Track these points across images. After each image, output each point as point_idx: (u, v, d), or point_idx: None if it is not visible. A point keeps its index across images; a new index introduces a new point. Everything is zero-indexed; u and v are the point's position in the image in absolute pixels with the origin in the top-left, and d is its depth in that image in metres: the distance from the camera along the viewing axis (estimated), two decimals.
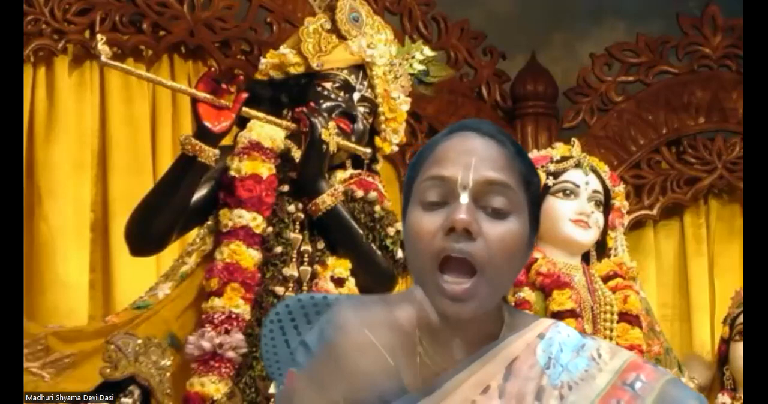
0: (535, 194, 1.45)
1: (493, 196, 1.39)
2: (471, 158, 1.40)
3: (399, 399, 1.40)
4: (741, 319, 3.42)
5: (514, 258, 1.40)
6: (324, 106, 2.82)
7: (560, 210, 3.16)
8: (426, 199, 1.40)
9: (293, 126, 2.78)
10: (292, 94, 2.86)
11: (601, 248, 3.29)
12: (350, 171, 2.90)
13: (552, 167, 3.21)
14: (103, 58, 2.53)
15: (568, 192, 3.19)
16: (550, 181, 3.19)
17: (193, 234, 2.82)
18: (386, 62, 2.95)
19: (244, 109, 2.66)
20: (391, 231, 2.79)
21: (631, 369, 1.40)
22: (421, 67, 3.08)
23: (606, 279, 3.20)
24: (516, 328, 1.44)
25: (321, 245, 2.77)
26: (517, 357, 1.41)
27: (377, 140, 2.95)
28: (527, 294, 3.06)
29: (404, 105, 2.98)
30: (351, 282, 2.77)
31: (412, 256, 1.40)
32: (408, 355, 1.43)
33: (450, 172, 1.39)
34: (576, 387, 1.39)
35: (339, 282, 2.74)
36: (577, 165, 3.23)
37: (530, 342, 1.42)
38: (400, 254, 2.77)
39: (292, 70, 2.88)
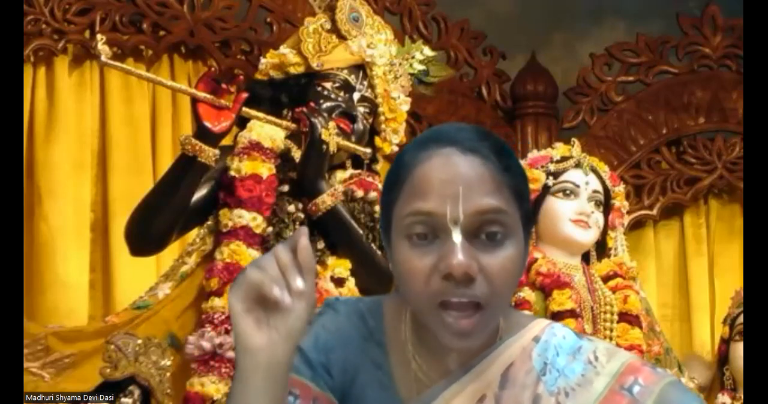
0: (527, 205, 1.37)
1: (487, 225, 1.30)
2: (456, 187, 1.29)
3: None
4: (741, 319, 3.42)
5: (515, 279, 1.34)
6: (324, 106, 2.82)
7: (560, 211, 3.16)
8: (412, 234, 1.30)
9: (293, 126, 2.78)
10: (292, 94, 2.86)
11: (601, 248, 3.29)
12: (350, 171, 2.90)
13: (552, 167, 3.21)
14: (103, 58, 2.53)
15: (568, 192, 3.19)
16: (550, 181, 3.19)
17: (193, 234, 2.82)
18: (386, 62, 2.95)
19: (244, 109, 2.66)
20: None
21: (628, 372, 1.36)
22: (421, 67, 3.08)
23: (606, 279, 3.20)
24: (511, 331, 1.39)
25: (321, 245, 2.77)
26: (513, 363, 1.37)
27: (377, 140, 2.95)
28: (527, 294, 3.06)
29: (404, 105, 2.98)
30: (351, 282, 2.77)
31: (407, 293, 1.32)
32: (402, 368, 1.39)
33: (435, 205, 1.29)
34: (573, 393, 1.35)
35: (339, 282, 2.74)
36: (577, 165, 3.23)
37: (526, 346, 1.38)
38: None
39: (292, 70, 2.88)
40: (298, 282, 1.24)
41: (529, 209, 1.37)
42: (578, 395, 1.35)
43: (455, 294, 1.28)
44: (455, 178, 1.30)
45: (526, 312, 2.90)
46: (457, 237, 1.28)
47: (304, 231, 1.27)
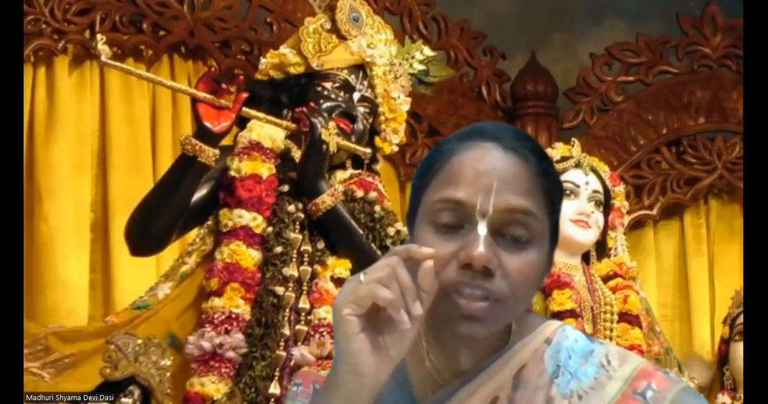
0: (558, 214, 1.36)
1: (514, 225, 1.28)
2: (491, 180, 1.27)
3: None
4: (741, 319, 3.42)
5: (533, 286, 1.33)
6: (324, 106, 2.82)
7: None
8: (438, 221, 1.29)
9: (293, 126, 2.78)
10: (292, 94, 2.86)
11: (601, 248, 3.29)
12: (350, 171, 2.90)
13: None
14: (103, 58, 2.53)
15: (568, 192, 3.19)
16: None
17: (193, 234, 2.82)
18: (386, 62, 2.95)
19: (244, 109, 2.66)
20: (391, 231, 2.78)
21: (641, 377, 1.35)
22: (421, 67, 3.08)
23: (606, 279, 3.20)
24: (523, 333, 1.39)
25: (321, 245, 2.77)
26: (525, 365, 1.36)
27: (377, 140, 2.95)
28: None
29: (404, 105, 2.98)
30: None
31: None
32: (416, 367, 1.39)
33: (466, 195, 1.27)
34: (586, 396, 1.34)
35: (339, 282, 2.74)
36: (577, 165, 3.24)
37: (538, 348, 1.38)
38: None
39: (292, 70, 2.88)
40: (417, 307, 1.23)
41: (558, 219, 1.36)
42: (591, 398, 1.34)
43: (470, 285, 1.27)
44: (491, 171, 1.29)
45: (535, 313, 2.90)
46: (482, 229, 1.27)
47: (430, 252, 1.24)
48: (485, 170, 1.29)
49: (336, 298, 1.25)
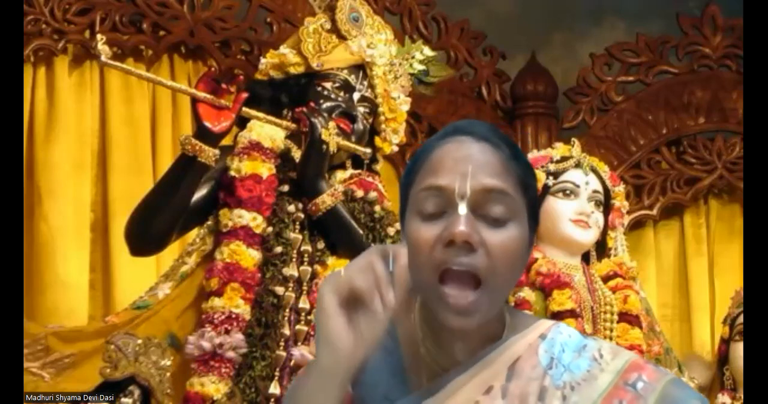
0: (533, 195, 1.44)
1: (492, 204, 1.38)
2: (467, 166, 1.39)
3: (403, 399, 1.41)
4: (741, 319, 3.42)
5: (516, 264, 1.40)
6: (324, 106, 2.82)
7: (560, 210, 3.16)
8: (424, 209, 1.39)
9: (293, 126, 2.79)
10: (292, 94, 2.86)
11: (601, 248, 3.29)
12: (350, 171, 2.91)
13: (552, 167, 3.21)
14: (103, 58, 2.53)
15: (568, 192, 3.19)
16: (550, 181, 3.19)
17: (193, 234, 2.82)
18: (386, 62, 2.95)
19: (244, 109, 2.66)
20: (391, 231, 2.79)
21: (632, 370, 1.40)
22: (421, 67, 3.08)
23: (606, 279, 3.20)
24: (517, 329, 1.44)
25: (321, 245, 2.77)
26: (520, 358, 1.41)
27: (377, 140, 2.95)
28: (527, 294, 3.06)
29: (404, 105, 2.99)
30: None
31: (412, 267, 1.38)
32: (412, 356, 1.43)
33: (446, 181, 1.38)
34: (578, 387, 1.39)
35: None
36: (577, 165, 3.23)
37: (532, 343, 1.42)
38: None
39: (292, 70, 2.89)
40: (391, 295, 1.32)
41: (534, 200, 1.44)
42: (583, 389, 1.39)
43: (455, 262, 1.35)
44: (466, 158, 1.40)
45: (530, 313, 2.90)
46: (462, 209, 1.36)
47: (404, 252, 1.35)
48: (461, 158, 1.40)
49: (320, 286, 1.36)
